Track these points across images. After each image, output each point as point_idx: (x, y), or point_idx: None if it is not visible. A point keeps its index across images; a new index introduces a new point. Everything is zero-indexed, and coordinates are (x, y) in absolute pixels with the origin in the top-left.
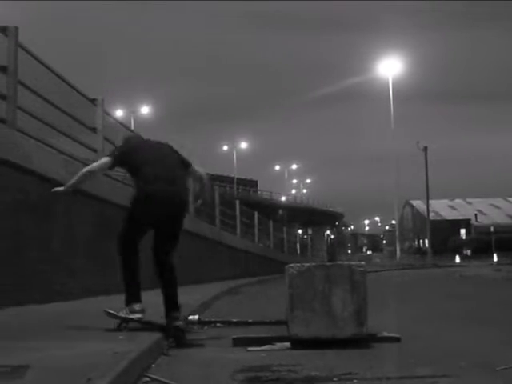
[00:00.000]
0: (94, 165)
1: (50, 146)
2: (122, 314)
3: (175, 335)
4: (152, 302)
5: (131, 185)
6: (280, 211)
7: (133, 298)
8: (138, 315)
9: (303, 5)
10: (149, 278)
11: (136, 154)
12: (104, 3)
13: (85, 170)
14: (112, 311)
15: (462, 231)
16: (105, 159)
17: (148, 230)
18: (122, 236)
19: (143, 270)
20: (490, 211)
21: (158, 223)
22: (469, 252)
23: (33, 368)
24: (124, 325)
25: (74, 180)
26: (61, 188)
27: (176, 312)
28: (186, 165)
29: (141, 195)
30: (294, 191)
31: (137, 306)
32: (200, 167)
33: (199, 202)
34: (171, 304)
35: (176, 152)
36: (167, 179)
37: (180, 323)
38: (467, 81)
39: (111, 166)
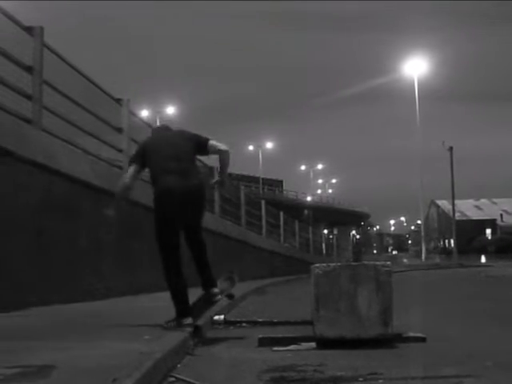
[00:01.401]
0: (127, 177)
1: (76, 146)
2: (168, 325)
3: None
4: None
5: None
6: (305, 211)
7: (183, 311)
8: (188, 329)
9: (328, 5)
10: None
11: (147, 153)
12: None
13: (122, 183)
14: (165, 325)
15: (488, 231)
16: (132, 167)
17: (178, 224)
18: (157, 240)
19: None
20: None
21: (180, 218)
22: None
23: (58, 368)
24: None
25: (117, 197)
26: (111, 212)
27: (213, 288)
28: (203, 144)
29: (156, 193)
30: (319, 191)
31: (187, 321)
32: (219, 142)
33: (217, 180)
34: (207, 281)
35: (189, 137)
36: (178, 172)
37: (218, 298)
38: (492, 80)
39: (138, 169)
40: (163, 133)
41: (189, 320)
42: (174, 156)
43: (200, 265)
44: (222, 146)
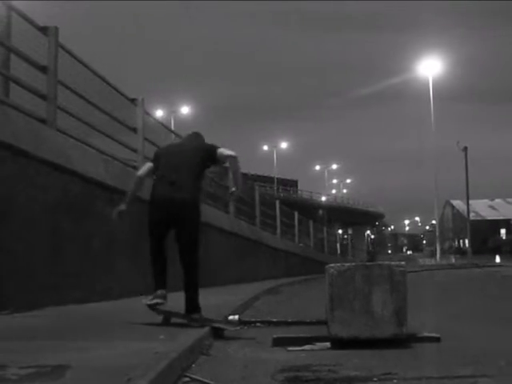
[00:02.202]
0: (141, 170)
1: (90, 146)
2: (148, 301)
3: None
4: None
5: None
6: (320, 211)
7: (157, 285)
8: (157, 300)
9: (343, 5)
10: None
11: (160, 158)
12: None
13: (135, 177)
14: (148, 302)
15: (502, 231)
16: (148, 163)
17: (162, 230)
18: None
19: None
20: None
21: (164, 225)
22: None
23: (73, 368)
24: (165, 321)
25: (130, 191)
26: (122, 207)
27: (192, 314)
28: (212, 154)
29: (150, 199)
30: (334, 191)
31: (159, 292)
32: (227, 149)
33: (232, 190)
34: (189, 306)
35: (200, 149)
36: (170, 180)
37: (196, 325)
38: (508, 80)
39: (152, 168)
40: (184, 141)
41: (160, 291)
42: (176, 166)
43: (185, 286)
44: (229, 152)
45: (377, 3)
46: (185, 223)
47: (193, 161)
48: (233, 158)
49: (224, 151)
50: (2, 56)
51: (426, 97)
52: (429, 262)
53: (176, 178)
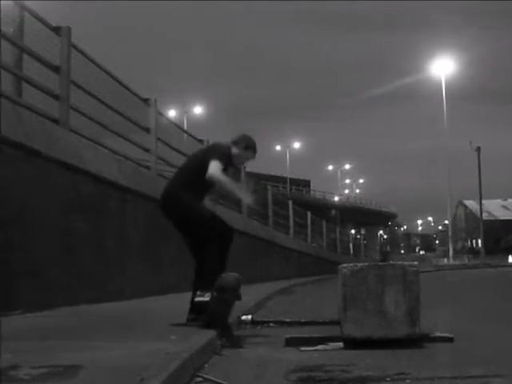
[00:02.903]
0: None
1: (103, 146)
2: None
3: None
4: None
5: None
6: (333, 211)
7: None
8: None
9: (356, 5)
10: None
11: None
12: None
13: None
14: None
15: None
16: None
17: (178, 231)
18: None
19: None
20: None
21: (173, 225)
22: None
23: (85, 368)
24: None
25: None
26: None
27: (200, 291)
28: (208, 157)
29: None
30: (346, 191)
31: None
32: (214, 168)
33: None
34: (199, 283)
35: (206, 151)
36: (170, 179)
37: (199, 299)
38: None
39: None
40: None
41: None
42: (180, 166)
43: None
44: (210, 172)
45: (389, 3)
46: (173, 215)
47: (193, 160)
48: (211, 178)
49: (209, 168)
50: (14, 56)
51: (439, 97)
52: (441, 262)
53: (174, 176)
